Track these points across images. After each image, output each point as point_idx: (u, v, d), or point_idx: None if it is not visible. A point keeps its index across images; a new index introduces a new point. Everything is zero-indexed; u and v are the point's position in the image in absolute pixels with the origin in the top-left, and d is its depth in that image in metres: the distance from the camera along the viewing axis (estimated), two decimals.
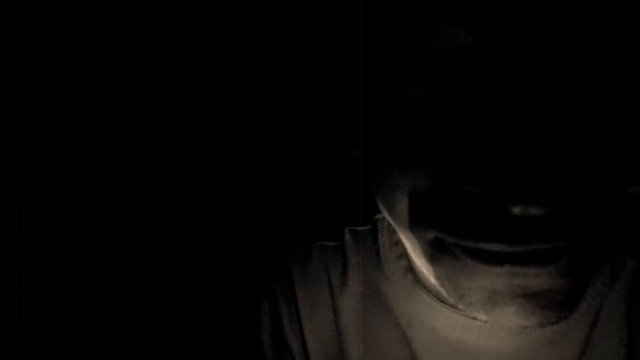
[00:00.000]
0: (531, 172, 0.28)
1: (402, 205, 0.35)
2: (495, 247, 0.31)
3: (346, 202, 0.51)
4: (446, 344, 0.44)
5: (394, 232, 0.48)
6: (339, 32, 0.38)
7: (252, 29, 0.65)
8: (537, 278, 0.31)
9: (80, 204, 0.68)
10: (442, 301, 0.44)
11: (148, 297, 0.62)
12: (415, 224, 0.35)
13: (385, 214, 0.39)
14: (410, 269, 0.46)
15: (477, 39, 0.29)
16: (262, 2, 0.63)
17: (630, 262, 0.44)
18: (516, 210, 0.29)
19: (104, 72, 0.68)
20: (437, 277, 0.36)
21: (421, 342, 0.46)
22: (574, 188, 0.30)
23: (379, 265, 0.49)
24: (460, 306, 0.35)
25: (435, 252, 0.35)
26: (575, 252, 0.31)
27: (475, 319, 0.37)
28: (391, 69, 0.33)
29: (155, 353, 0.56)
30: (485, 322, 0.35)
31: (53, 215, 0.68)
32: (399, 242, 0.47)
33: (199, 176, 0.67)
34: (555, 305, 0.32)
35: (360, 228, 0.52)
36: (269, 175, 0.65)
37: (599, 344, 0.43)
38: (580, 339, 0.43)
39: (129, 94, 0.68)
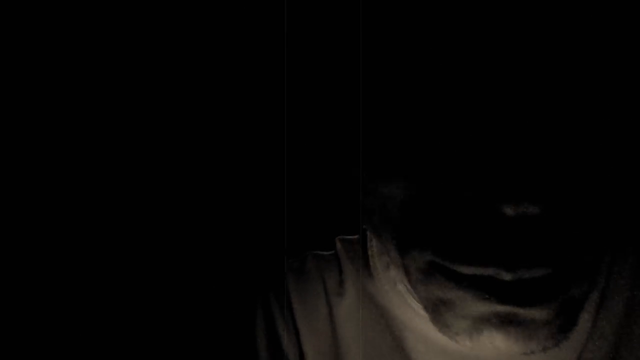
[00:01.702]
0: (523, 170, 0.27)
1: (392, 223, 0.34)
2: (490, 272, 0.29)
3: (338, 210, 0.51)
4: (442, 351, 0.45)
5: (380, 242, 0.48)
6: (340, 34, 0.37)
7: (252, 30, 0.65)
8: (525, 311, 0.31)
9: (76, 206, 0.67)
10: None
11: (141, 308, 0.61)
12: (407, 246, 0.33)
13: (373, 233, 0.39)
14: (400, 279, 0.46)
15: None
16: (263, 2, 0.63)
17: (625, 269, 0.44)
18: (510, 210, 0.27)
19: (103, 71, 0.68)
20: (423, 303, 0.36)
21: (417, 349, 0.46)
22: (567, 188, 0.28)
23: (370, 274, 0.49)
24: (445, 334, 0.34)
25: (424, 278, 0.34)
26: (564, 292, 0.31)
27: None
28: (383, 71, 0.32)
29: None
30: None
31: (51, 215, 0.68)
32: (384, 254, 0.47)
33: (193, 183, 0.67)
34: (542, 336, 0.32)
35: (350, 237, 0.52)
36: (262, 185, 0.65)
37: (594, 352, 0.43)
38: (580, 343, 0.43)
39: (128, 93, 0.68)
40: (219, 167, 0.67)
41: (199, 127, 0.67)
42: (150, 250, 0.64)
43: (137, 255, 0.64)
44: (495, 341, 0.32)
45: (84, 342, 0.63)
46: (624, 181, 0.31)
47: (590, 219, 0.30)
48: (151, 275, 0.63)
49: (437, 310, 0.34)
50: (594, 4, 0.28)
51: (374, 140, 0.33)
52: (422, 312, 0.43)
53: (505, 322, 0.31)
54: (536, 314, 0.31)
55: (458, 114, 0.29)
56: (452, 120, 0.29)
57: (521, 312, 0.30)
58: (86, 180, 0.67)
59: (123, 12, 0.65)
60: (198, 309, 0.53)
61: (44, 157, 0.67)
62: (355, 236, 0.52)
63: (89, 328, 0.63)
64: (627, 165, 0.31)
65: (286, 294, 0.50)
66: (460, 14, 0.28)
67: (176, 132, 0.67)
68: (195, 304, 0.53)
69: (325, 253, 0.52)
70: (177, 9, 0.66)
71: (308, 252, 0.52)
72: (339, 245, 0.52)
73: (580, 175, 0.29)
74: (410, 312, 0.46)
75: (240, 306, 0.51)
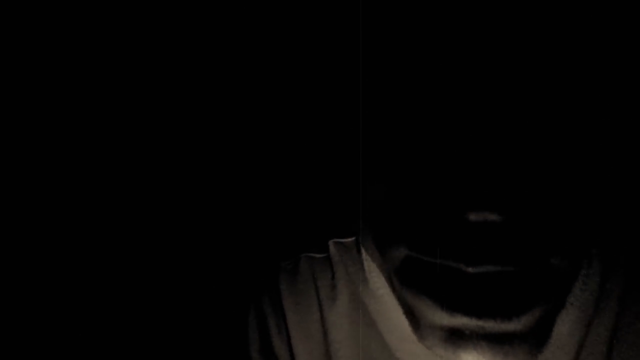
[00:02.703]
0: (487, 180, 0.30)
1: (374, 223, 0.37)
2: (453, 264, 0.32)
3: (332, 213, 0.52)
4: (431, 354, 0.44)
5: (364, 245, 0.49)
6: (339, 36, 0.38)
7: (252, 30, 0.65)
8: (493, 324, 0.32)
9: (73, 205, 0.68)
10: None
11: (134, 307, 0.61)
12: (388, 242, 0.36)
13: (368, 233, 0.41)
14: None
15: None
16: (262, 2, 0.63)
17: (617, 277, 0.44)
18: (472, 216, 0.30)
19: (103, 71, 0.68)
20: (404, 311, 0.38)
21: (407, 353, 0.46)
22: (528, 197, 0.31)
23: (364, 278, 0.49)
24: (424, 345, 0.36)
25: (401, 279, 0.36)
26: (540, 304, 0.32)
27: None
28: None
29: None
30: None
31: (50, 214, 0.68)
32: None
33: (189, 185, 0.67)
34: (519, 352, 0.33)
35: (344, 240, 0.52)
36: (257, 187, 0.65)
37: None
38: (573, 351, 0.43)
39: (128, 93, 0.68)
40: (214, 169, 0.67)
41: (195, 129, 0.68)
42: (145, 252, 0.64)
43: (132, 254, 0.65)
44: (471, 358, 0.33)
45: (78, 340, 0.63)
46: (585, 191, 0.33)
47: (549, 226, 0.32)
48: (145, 276, 0.63)
49: (414, 320, 0.36)
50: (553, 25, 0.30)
51: (362, 151, 0.36)
52: None
53: (477, 337, 0.32)
54: (507, 327, 0.32)
55: (427, 133, 0.33)
56: (422, 137, 0.33)
57: (489, 325, 0.32)
58: (83, 181, 0.68)
59: (127, 13, 0.66)
60: (191, 309, 0.53)
61: (44, 157, 0.68)
62: (349, 239, 0.52)
63: (84, 326, 0.64)
64: (588, 176, 0.33)
65: (278, 296, 0.50)
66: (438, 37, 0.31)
67: (172, 133, 0.68)
68: (188, 304, 0.53)
69: (318, 256, 0.52)
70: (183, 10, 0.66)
71: (301, 255, 0.52)
72: (332, 248, 0.52)
73: (538, 186, 0.31)
74: (401, 315, 0.45)
75: (234, 307, 0.51)
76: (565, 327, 0.42)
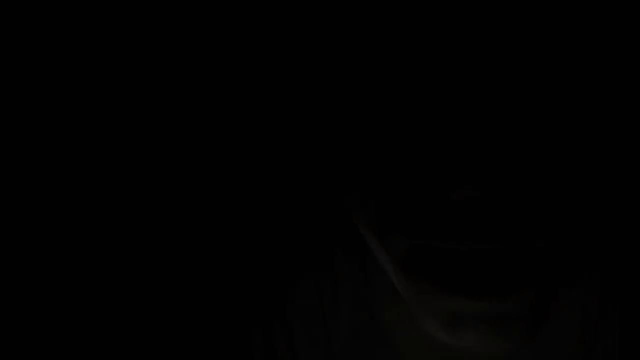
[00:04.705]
0: (464, 158, 0.30)
1: (372, 216, 0.36)
2: (449, 245, 0.32)
3: (337, 221, 0.51)
4: (440, 352, 0.45)
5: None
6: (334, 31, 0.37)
7: (252, 30, 0.64)
8: (496, 306, 0.33)
9: (72, 204, 0.67)
10: None
11: (135, 314, 0.62)
12: (385, 234, 0.36)
13: (361, 230, 0.40)
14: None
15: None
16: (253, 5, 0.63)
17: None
18: (455, 195, 0.30)
19: (102, 70, 0.67)
20: (406, 299, 0.38)
21: (416, 354, 0.47)
22: (510, 173, 0.31)
23: (368, 282, 0.49)
24: (429, 331, 0.37)
25: (404, 269, 0.36)
26: (534, 284, 0.33)
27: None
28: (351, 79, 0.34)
29: None
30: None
31: (48, 213, 0.68)
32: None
33: (186, 192, 0.67)
34: (516, 333, 0.34)
35: (347, 247, 0.51)
36: (256, 196, 0.65)
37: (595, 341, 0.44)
38: (573, 339, 0.44)
39: (127, 92, 0.68)
40: (215, 173, 0.67)
41: (193, 130, 0.67)
42: (145, 254, 0.64)
43: (131, 256, 0.65)
44: (472, 339, 0.35)
45: (77, 340, 0.63)
46: (567, 175, 0.32)
47: (533, 204, 0.32)
48: (145, 280, 0.63)
49: (419, 308, 0.37)
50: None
51: (356, 148, 0.36)
52: None
53: (476, 320, 0.34)
54: (501, 308, 0.33)
55: (408, 124, 0.33)
56: (404, 129, 0.33)
57: (485, 306, 0.33)
58: (81, 181, 0.67)
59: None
60: (193, 317, 0.53)
61: (43, 156, 0.68)
62: (353, 246, 0.51)
63: (83, 326, 0.64)
64: (570, 160, 0.32)
65: (282, 309, 0.50)
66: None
67: (171, 132, 0.67)
68: (190, 326, 0.53)
69: (321, 266, 0.51)
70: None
71: (304, 264, 0.52)
72: (338, 255, 0.51)
73: (519, 163, 0.31)
74: (406, 315, 0.45)
75: (236, 324, 0.51)
76: (587, 321, 0.43)
